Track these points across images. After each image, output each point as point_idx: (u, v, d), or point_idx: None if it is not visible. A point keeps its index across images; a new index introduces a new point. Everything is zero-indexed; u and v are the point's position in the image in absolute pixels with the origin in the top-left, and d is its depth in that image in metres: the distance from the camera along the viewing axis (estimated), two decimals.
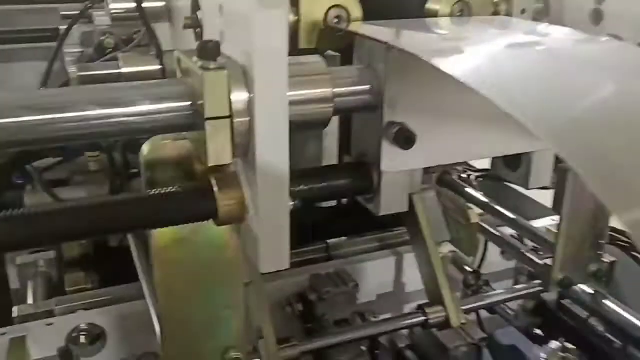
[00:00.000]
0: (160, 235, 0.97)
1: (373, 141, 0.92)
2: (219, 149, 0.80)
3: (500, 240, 1.65)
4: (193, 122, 0.84)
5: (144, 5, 1.54)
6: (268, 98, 0.81)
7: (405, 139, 0.87)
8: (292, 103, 0.83)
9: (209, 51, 0.79)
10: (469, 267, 1.73)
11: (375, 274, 1.73)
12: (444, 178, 1.94)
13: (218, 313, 1.07)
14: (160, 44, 1.50)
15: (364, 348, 1.68)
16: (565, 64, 0.78)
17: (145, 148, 0.91)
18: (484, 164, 2.25)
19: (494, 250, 1.87)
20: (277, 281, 1.62)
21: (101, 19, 1.88)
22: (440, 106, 0.94)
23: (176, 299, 1.02)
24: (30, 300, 1.65)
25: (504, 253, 1.91)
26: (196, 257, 0.99)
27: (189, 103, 0.84)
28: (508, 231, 1.70)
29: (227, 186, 0.87)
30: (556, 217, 1.38)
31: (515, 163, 1.06)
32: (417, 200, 1.60)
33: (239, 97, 0.82)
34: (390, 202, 0.96)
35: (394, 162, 0.91)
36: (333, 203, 1.85)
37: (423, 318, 1.51)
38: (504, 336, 2.22)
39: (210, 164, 0.79)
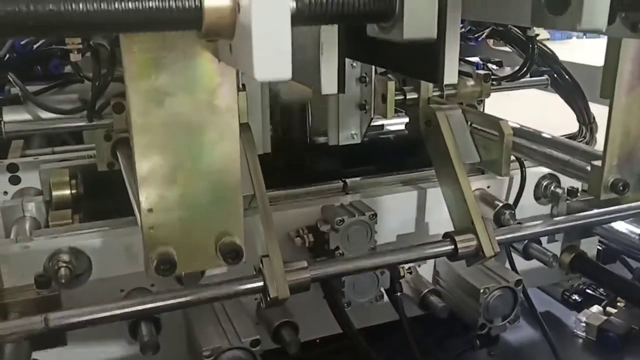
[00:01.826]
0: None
1: None
2: None
3: (536, 154, 1.46)
4: None
5: None
6: None
7: None
8: None
9: None
10: (501, 201, 1.54)
11: (396, 211, 1.54)
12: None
13: (210, 189, 0.90)
14: None
15: (383, 290, 1.49)
16: None
17: None
18: None
19: (528, 195, 1.68)
20: (286, 212, 1.44)
21: None
22: None
23: (158, 160, 0.85)
24: None
25: (538, 199, 1.72)
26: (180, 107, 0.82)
27: None
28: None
29: None
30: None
31: (561, 5, 0.89)
32: (441, 117, 1.43)
33: None
34: (415, 25, 0.79)
35: None
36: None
37: (451, 247, 1.32)
38: (535, 302, 2.02)
39: None
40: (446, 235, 1.33)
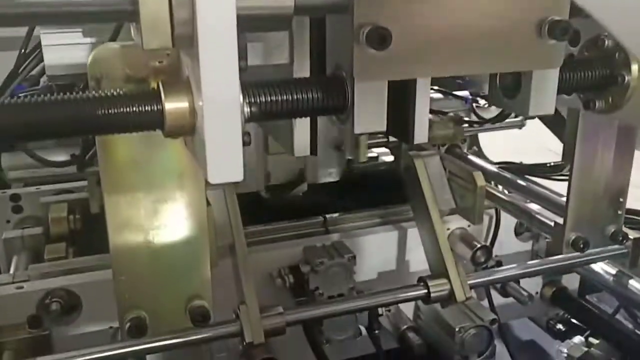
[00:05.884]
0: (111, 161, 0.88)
1: (346, 49, 0.82)
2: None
3: (507, 204, 1.51)
4: None
5: None
6: None
7: (379, 38, 0.77)
8: None
9: None
10: (479, 242, 1.59)
11: (376, 249, 1.61)
12: (451, 150, 1.83)
13: (180, 257, 0.97)
14: None
15: (362, 327, 1.55)
16: None
17: (93, 52, 0.82)
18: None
19: (507, 230, 1.73)
20: (267, 252, 1.51)
21: None
22: (421, 10, 0.83)
23: (130, 234, 0.92)
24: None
25: (518, 235, 1.77)
26: (150, 183, 0.89)
27: None
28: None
29: (176, 91, 0.77)
30: None
31: (513, 89, 0.94)
32: (419, 164, 1.48)
33: None
34: (367, 120, 0.85)
35: (368, 70, 0.80)
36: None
37: (424, 291, 1.38)
38: (521, 330, 2.08)
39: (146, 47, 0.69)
40: (420, 280, 1.39)
